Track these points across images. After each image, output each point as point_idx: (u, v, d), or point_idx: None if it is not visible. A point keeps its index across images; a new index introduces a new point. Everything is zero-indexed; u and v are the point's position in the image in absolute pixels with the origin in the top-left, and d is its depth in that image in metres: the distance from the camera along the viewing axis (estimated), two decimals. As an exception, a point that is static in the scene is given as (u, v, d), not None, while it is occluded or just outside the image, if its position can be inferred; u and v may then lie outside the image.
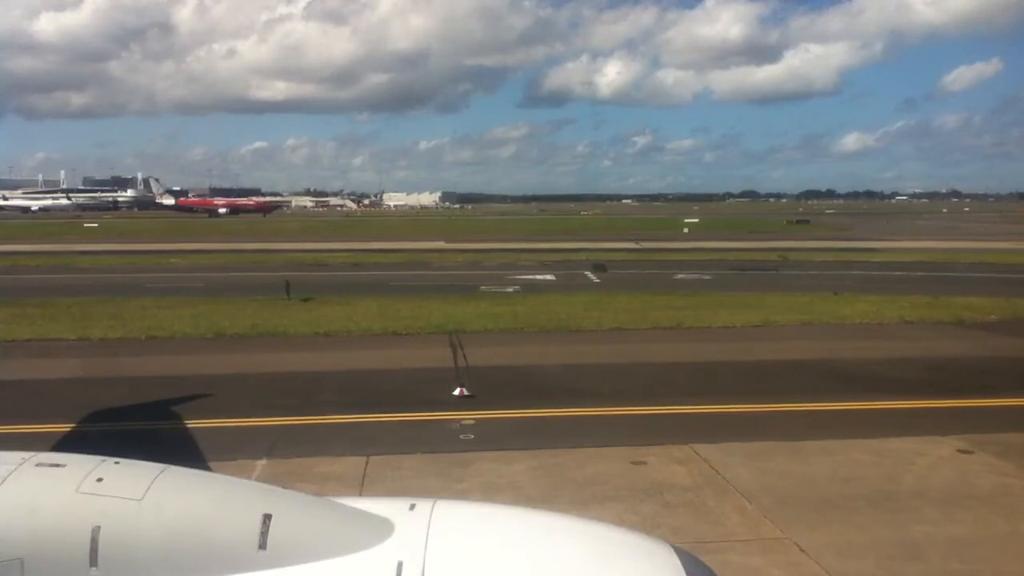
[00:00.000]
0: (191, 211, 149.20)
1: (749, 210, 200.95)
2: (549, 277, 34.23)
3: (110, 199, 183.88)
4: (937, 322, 21.30)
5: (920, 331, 20.05)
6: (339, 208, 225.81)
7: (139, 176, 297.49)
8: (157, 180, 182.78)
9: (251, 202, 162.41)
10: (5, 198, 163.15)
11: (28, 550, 2.44)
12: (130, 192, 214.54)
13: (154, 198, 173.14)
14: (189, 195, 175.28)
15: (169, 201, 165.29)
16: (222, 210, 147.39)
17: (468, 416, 12.04)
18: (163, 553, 2.52)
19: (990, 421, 11.85)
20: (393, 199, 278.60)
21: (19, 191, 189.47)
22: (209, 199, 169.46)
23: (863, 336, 19.34)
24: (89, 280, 32.34)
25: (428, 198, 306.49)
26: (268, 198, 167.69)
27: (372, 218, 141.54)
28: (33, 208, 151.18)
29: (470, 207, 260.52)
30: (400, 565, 2.57)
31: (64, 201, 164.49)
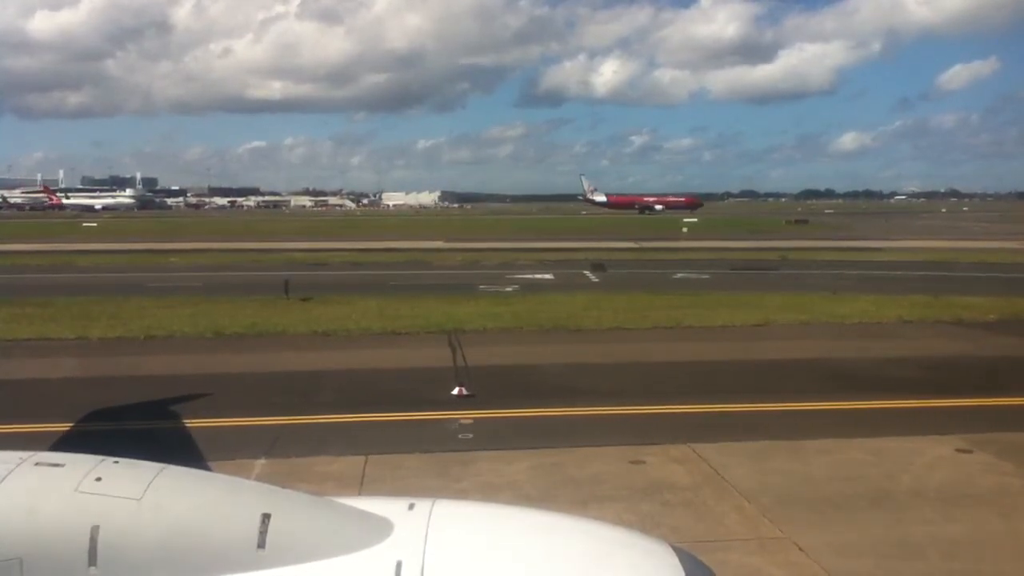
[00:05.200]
0: (630, 207, 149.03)
1: (748, 210, 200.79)
2: (548, 276, 34.21)
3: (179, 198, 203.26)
4: (936, 321, 21.29)
5: (919, 330, 20.05)
6: (338, 208, 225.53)
7: (138, 175, 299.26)
8: (583, 176, 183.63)
9: (682, 199, 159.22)
10: (68, 196, 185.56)
11: (27, 550, 2.44)
12: (129, 192, 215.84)
13: (584, 194, 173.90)
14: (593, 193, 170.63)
15: (600, 199, 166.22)
16: (658, 207, 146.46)
17: (467, 415, 12.03)
18: (162, 552, 2.52)
19: (989, 421, 11.84)
20: (392, 199, 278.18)
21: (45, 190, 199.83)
22: (639, 196, 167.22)
23: (862, 335, 19.33)
24: (88, 279, 32.33)
25: (427, 197, 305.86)
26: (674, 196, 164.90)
27: (371, 217, 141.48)
28: (96, 207, 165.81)
29: (469, 206, 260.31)
30: (399, 564, 2.57)
31: (126, 200, 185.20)
